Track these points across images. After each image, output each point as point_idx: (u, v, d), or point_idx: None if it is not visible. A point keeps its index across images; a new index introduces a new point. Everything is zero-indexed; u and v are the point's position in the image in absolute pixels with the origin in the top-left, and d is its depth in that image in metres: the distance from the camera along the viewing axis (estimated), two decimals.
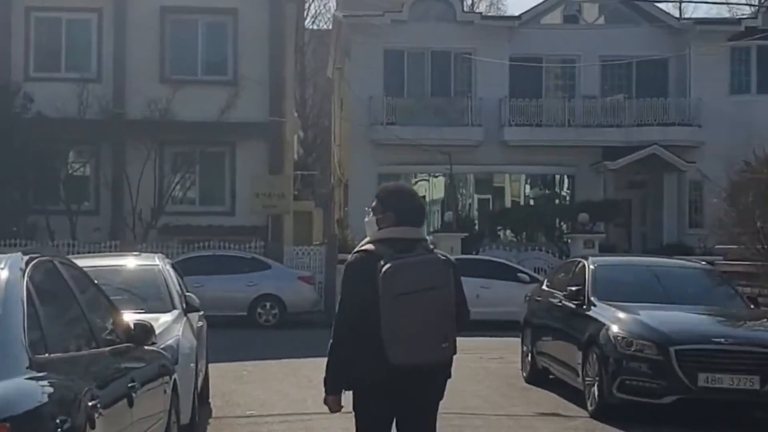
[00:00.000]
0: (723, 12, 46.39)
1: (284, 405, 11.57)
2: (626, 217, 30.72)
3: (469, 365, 15.84)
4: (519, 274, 22.94)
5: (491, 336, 20.56)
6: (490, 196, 31.88)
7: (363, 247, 5.31)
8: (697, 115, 29.89)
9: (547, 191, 31.97)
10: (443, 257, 5.19)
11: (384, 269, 4.95)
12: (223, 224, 25.95)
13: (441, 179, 31.37)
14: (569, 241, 27.27)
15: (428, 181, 32.09)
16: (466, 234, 26.45)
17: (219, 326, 19.47)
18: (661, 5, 31.94)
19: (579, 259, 13.11)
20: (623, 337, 10.56)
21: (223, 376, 13.16)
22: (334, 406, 5.37)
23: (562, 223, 29.69)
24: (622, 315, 11.04)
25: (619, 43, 30.34)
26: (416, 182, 32.23)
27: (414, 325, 4.96)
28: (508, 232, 30.83)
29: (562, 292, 12.59)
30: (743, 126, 29.69)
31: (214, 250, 23.85)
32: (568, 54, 30.97)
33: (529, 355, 13.65)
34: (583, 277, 12.24)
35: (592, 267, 12.27)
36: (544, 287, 13.87)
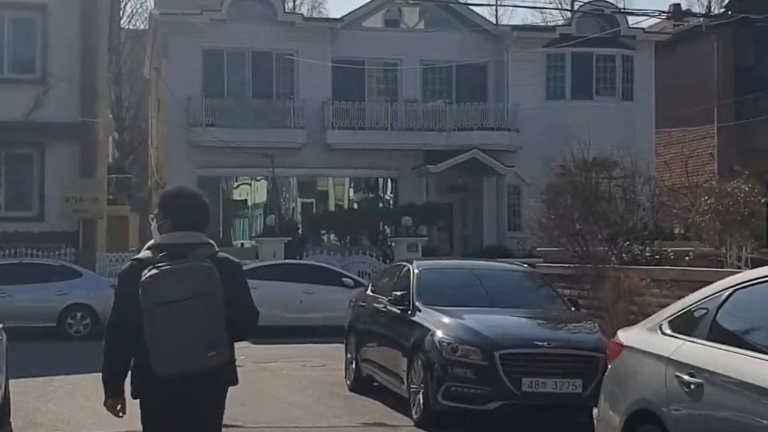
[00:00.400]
0: (539, 19, 47.72)
1: (92, 423, 10.80)
2: (448, 221, 30.97)
3: (291, 374, 15.40)
4: (343, 279, 22.64)
5: (315, 343, 20.18)
6: (313, 200, 31.53)
7: (137, 255, 5.29)
8: (515, 120, 30.43)
9: (370, 195, 31.88)
10: (208, 264, 5.01)
11: (143, 278, 4.91)
12: (31, 230, 24.56)
13: (263, 182, 30.79)
14: (393, 244, 27.21)
15: (250, 184, 31.44)
16: (290, 238, 25.99)
17: (25, 338, 18.38)
18: (479, 11, 32.36)
19: (403, 263, 12.87)
20: (448, 343, 10.34)
21: (27, 393, 12.26)
22: (113, 411, 5.42)
23: (385, 227, 29.64)
24: (446, 320, 10.84)
25: (439, 48, 30.55)
26: (237, 186, 31.57)
27: (175, 334, 4.86)
28: (332, 236, 30.55)
29: (386, 297, 12.31)
30: (558, 131, 30.35)
31: (20, 257, 22.55)
32: (390, 57, 30.97)
33: (354, 362, 13.32)
34: (408, 281, 11.99)
35: (416, 271, 12.03)
36: (368, 292, 13.56)
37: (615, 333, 6.97)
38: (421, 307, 11.36)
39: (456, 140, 30.01)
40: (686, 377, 5.46)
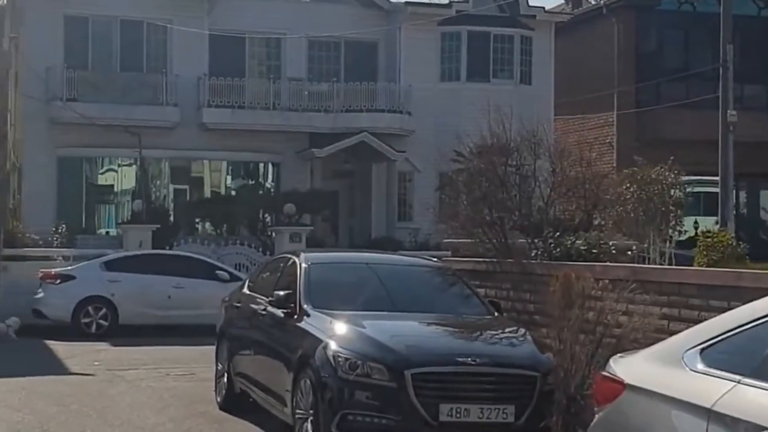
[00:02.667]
0: None
1: None
2: (333, 210, 28.71)
3: (151, 386, 12.94)
4: (217, 272, 20.21)
5: (184, 344, 17.71)
6: (187, 185, 28.82)
7: None
8: (408, 102, 28.36)
9: (250, 180, 29.37)
10: None
11: None
12: None
13: (131, 164, 27.95)
14: (274, 234, 24.85)
15: (116, 166, 28.54)
16: (158, 226, 23.33)
17: None
18: None
19: (288, 256, 10.56)
20: (346, 358, 8.10)
21: None
22: None
23: (266, 216, 27.24)
24: (343, 328, 8.60)
25: (327, 22, 28.19)
26: (103, 168, 28.63)
27: None
28: (207, 224, 27.98)
29: (267, 297, 10.02)
30: (452, 114, 28.52)
31: None
32: (273, 30, 28.50)
33: (225, 375, 10.97)
34: (294, 278, 9.71)
35: (304, 266, 9.75)
36: (245, 290, 11.23)
37: (564, 347, 5.00)
38: (310, 311, 9.11)
39: (343, 122, 27.79)
40: None
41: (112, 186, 28.65)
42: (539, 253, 10.79)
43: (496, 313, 9.64)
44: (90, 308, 19.54)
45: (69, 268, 20.29)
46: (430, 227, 27.85)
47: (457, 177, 12.91)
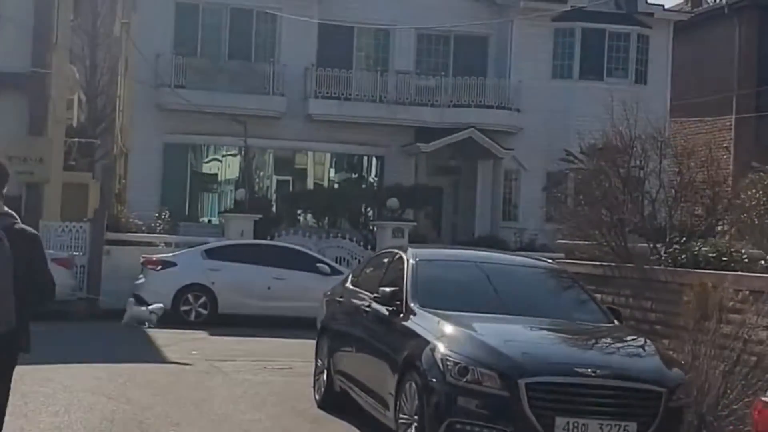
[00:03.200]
0: None
1: None
2: (437, 206, 28.13)
3: (248, 378, 12.61)
4: (318, 265, 19.88)
5: (283, 337, 17.43)
6: (290, 176, 28.58)
7: None
8: (517, 99, 27.62)
9: (353, 174, 28.95)
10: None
11: None
12: None
13: (235, 153, 27.83)
14: (375, 229, 24.43)
15: (221, 154, 28.44)
16: (261, 216, 23.10)
17: None
18: None
19: (394, 251, 10.05)
20: (455, 362, 7.57)
21: None
22: None
23: (368, 209, 26.84)
24: (452, 329, 8.07)
25: (437, 15, 27.56)
26: (207, 155, 28.59)
27: None
28: (308, 216, 27.71)
29: (371, 293, 9.55)
30: (563, 112, 27.71)
31: None
32: (382, 22, 28.06)
33: (325, 372, 10.53)
34: (401, 274, 9.21)
35: (412, 262, 9.25)
36: (348, 285, 10.78)
37: (697, 362, 4.38)
38: (417, 310, 8.60)
39: (450, 117, 27.20)
40: None
41: (216, 174, 28.58)
42: (662, 258, 10.05)
43: (615, 321, 8.99)
44: (190, 296, 19.40)
45: (170, 254, 20.19)
46: (536, 227, 27.14)
47: (577, 176, 12.15)
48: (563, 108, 27.66)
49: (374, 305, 9.29)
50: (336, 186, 28.36)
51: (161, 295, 19.39)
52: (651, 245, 10.51)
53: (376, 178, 28.68)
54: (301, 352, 15.74)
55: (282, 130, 26.87)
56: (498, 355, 7.60)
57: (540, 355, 7.67)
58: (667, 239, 10.34)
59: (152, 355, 14.75)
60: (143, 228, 22.99)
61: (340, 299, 10.59)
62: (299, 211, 27.65)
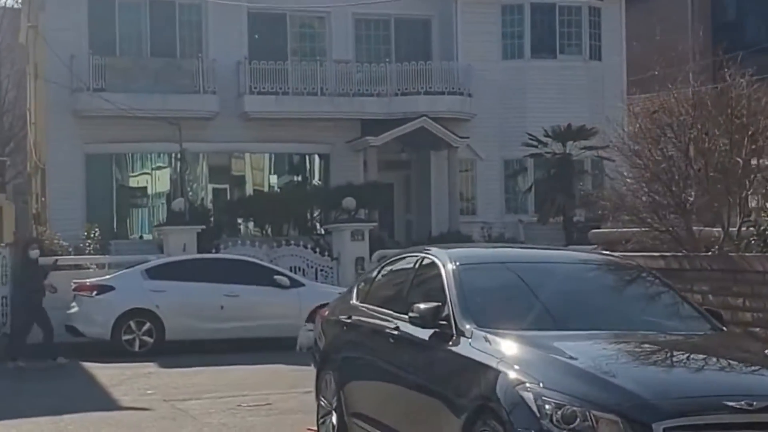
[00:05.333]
0: None
1: None
2: (388, 204, 25.99)
3: (224, 423, 10.35)
4: (276, 277, 17.60)
5: (247, 363, 15.13)
6: (228, 181, 26.13)
7: None
8: (467, 83, 25.60)
9: (296, 175, 26.57)
10: None
11: None
12: None
13: (167, 160, 25.30)
14: (331, 232, 22.20)
15: (150, 162, 25.86)
16: (204, 227, 20.71)
17: None
18: None
19: (419, 254, 7.85)
20: (557, 404, 5.45)
21: None
22: None
23: (316, 213, 24.59)
24: (534, 355, 5.96)
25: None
26: (135, 165, 25.96)
27: None
28: (250, 224, 25.36)
29: (396, 311, 7.40)
30: (517, 94, 25.86)
31: None
32: (316, 9, 25.87)
33: (334, 414, 8.31)
34: (438, 285, 7.05)
35: (451, 267, 7.09)
36: (354, 302, 8.56)
37: None
38: (472, 331, 6.45)
39: (398, 107, 25.10)
40: None
41: (146, 186, 25.99)
42: (750, 242, 8.07)
43: (723, 327, 6.95)
44: (132, 323, 16.98)
45: (106, 277, 17.70)
46: (496, 220, 25.22)
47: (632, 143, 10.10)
48: (517, 90, 25.83)
49: (405, 327, 7.12)
50: (278, 189, 26.01)
51: (98, 323, 16.98)
52: (721, 228, 8.51)
53: (321, 178, 26.43)
54: (272, 380, 13.56)
55: (216, 131, 24.48)
56: (614, 390, 5.48)
57: (672, 386, 5.57)
58: (749, 217, 8.35)
59: (100, 400, 12.34)
60: (70, 249, 20.41)
61: (347, 320, 8.37)
62: (240, 220, 25.29)
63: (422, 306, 6.83)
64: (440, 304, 6.81)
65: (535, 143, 22.98)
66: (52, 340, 16.23)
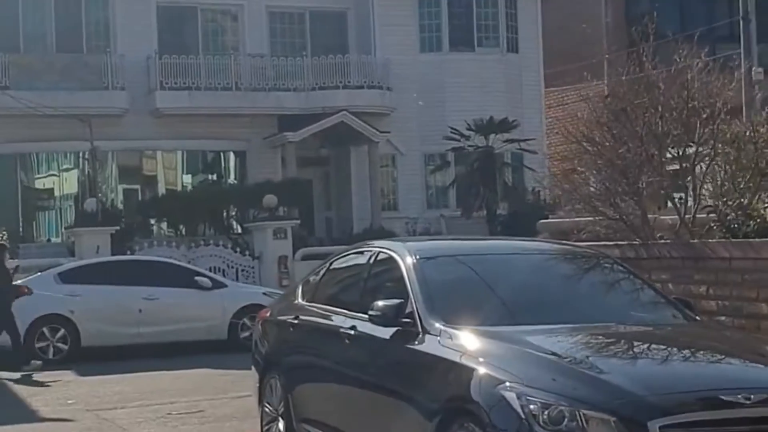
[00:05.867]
0: None
1: None
2: (306, 201, 25.42)
3: None
4: (197, 278, 16.86)
5: (169, 369, 14.44)
6: (139, 179, 25.25)
7: None
8: (385, 77, 25.18)
9: (211, 173, 25.80)
10: None
11: None
12: None
13: (74, 159, 24.34)
14: (251, 231, 21.56)
15: (58, 165, 24.84)
16: (117, 227, 19.88)
17: None
18: None
19: (372, 249, 7.34)
20: (544, 403, 5.04)
21: None
22: None
23: (233, 211, 23.89)
24: (513, 352, 5.55)
25: None
26: (41, 165, 24.92)
27: None
28: (164, 225, 24.54)
29: (350, 309, 6.92)
30: (436, 88, 25.58)
31: None
32: (229, 3, 25.19)
33: (280, 421, 7.77)
34: (398, 280, 6.59)
35: (411, 261, 6.62)
36: (299, 301, 8.04)
37: None
38: (440, 328, 6.01)
39: (316, 101, 24.55)
40: None
41: (53, 186, 24.96)
42: (712, 228, 7.79)
43: (696, 317, 6.64)
44: (45, 329, 16.08)
45: (17, 282, 16.77)
46: (418, 215, 24.88)
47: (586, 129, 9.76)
48: (436, 83, 25.51)
49: (363, 327, 6.63)
50: (192, 188, 25.18)
51: None
52: (677, 215, 8.22)
53: (236, 177, 25.73)
54: (199, 385, 12.94)
55: (126, 129, 23.62)
56: (604, 387, 5.09)
57: (665, 381, 5.19)
58: (696, 207, 8.07)
59: (16, 411, 11.54)
60: None
61: (294, 321, 7.83)
62: (152, 221, 24.45)
63: (383, 303, 6.35)
64: (402, 300, 6.35)
65: (457, 137, 22.68)
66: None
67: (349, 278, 7.59)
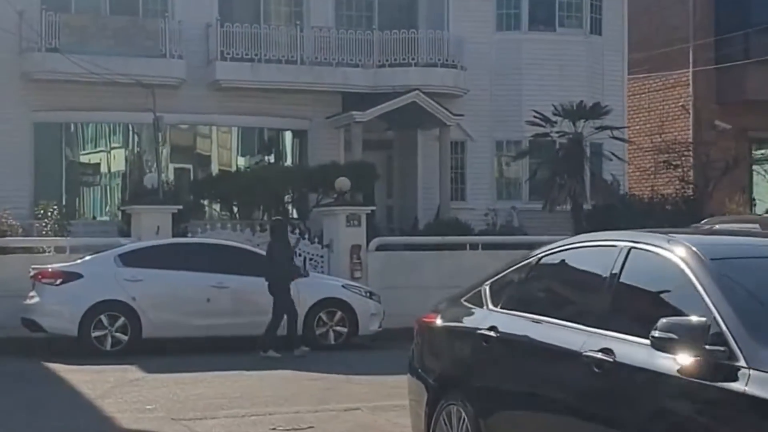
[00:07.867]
0: None
1: None
2: (372, 187, 23.54)
3: None
4: None
5: (246, 368, 12.74)
6: (191, 158, 23.44)
7: None
8: (459, 56, 23.31)
9: (269, 153, 23.89)
10: None
11: None
12: None
13: (125, 131, 22.63)
14: (311, 218, 19.80)
15: (107, 137, 23.09)
16: (181, 207, 18.15)
17: None
18: None
19: (623, 243, 5.44)
20: None
21: None
22: None
23: (292, 194, 22.09)
24: None
25: None
26: (93, 139, 23.16)
27: None
28: (216, 207, 22.81)
29: (586, 324, 5.15)
30: (511, 70, 23.75)
31: None
32: None
33: None
34: (681, 290, 4.81)
35: (702, 264, 4.84)
36: (490, 306, 6.25)
37: None
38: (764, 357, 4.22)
39: (385, 79, 22.72)
40: None
41: (99, 161, 23.17)
42: None
43: None
44: (103, 317, 14.47)
45: (72, 263, 15.08)
46: (486, 206, 23.08)
47: None
48: (511, 65, 23.68)
49: (623, 351, 4.85)
50: (247, 168, 23.32)
51: (64, 317, 14.44)
52: None
53: (295, 158, 23.91)
54: (291, 392, 11.25)
55: (182, 102, 21.84)
56: None
57: None
58: None
59: (89, 417, 9.84)
60: (20, 230, 17.67)
61: (489, 334, 6.02)
62: (206, 201, 22.72)
63: (680, 321, 4.56)
64: (705, 319, 4.55)
65: (542, 122, 20.81)
66: None
67: (579, 282, 5.80)
